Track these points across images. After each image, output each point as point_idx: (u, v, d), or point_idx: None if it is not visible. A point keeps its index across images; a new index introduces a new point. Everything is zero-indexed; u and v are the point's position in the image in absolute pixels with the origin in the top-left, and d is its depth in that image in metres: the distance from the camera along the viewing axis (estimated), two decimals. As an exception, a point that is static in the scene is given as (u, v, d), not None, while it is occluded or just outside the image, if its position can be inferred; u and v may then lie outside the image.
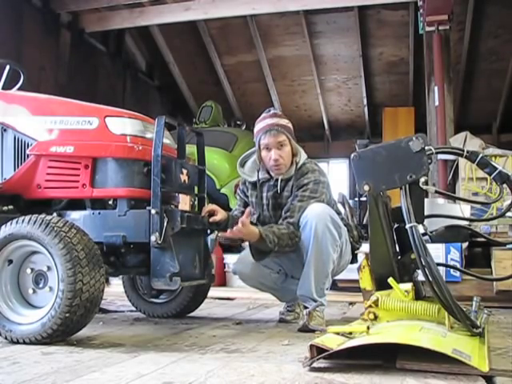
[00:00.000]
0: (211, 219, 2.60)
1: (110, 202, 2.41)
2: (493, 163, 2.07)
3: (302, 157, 2.77)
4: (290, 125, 2.77)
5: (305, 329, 2.41)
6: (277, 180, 2.75)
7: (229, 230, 2.51)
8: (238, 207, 2.94)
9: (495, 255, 3.63)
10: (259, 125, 2.75)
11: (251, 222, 2.82)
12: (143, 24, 6.90)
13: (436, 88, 5.20)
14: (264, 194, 2.79)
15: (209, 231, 2.71)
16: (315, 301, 2.56)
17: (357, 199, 5.54)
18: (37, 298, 2.16)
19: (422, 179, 1.96)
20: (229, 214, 2.77)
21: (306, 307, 2.58)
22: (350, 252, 2.74)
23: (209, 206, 2.69)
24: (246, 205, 2.89)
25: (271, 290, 2.92)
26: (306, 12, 7.20)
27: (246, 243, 4.30)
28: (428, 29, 5.33)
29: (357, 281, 2.16)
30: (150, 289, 2.65)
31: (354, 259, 2.81)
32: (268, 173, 2.80)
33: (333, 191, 2.86)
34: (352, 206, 2.99)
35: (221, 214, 2.67)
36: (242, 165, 2.90)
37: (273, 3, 6.42)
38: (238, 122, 7.04)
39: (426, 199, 2.28)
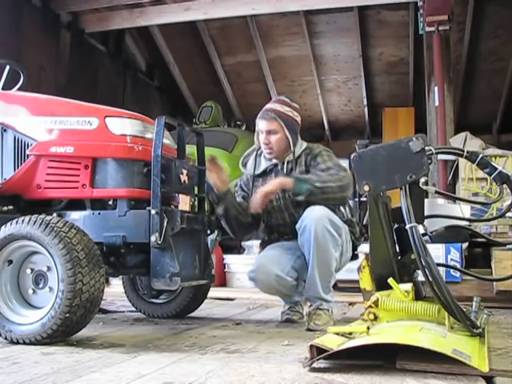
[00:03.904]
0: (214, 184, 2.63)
1: (110, 203, 2.41)
2: (493, 163, 2.07)
3: (303, 144, 2.80)
4: (291, 113, 2.75)
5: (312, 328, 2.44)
6: (283, 163, 2.76)
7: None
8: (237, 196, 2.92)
9: (495, 255, 3.62)
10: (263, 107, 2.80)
11: (256, 215, 2.80)
12: (143, 24, 6.89)
13: (436, 88, 5.20)
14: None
15: (209, 231, 2.71)
16: (323, 299, 2.59)
17: (357, 199, 5.52)
18: (37, 299, 2.16)
19: (422, 179, 1.96)
20: (229, 189, 2.76)
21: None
22: (350, 250, 2.76)
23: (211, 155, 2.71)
24: (244, 198, 2.88)
25: (283, 296, 2.88)
26: (306, 12, 7.18)
27: (247, 244, 4.28)
28: (428, 29, 5.33)
29: (357, 281, 2.17)
30: (149, 289, 2.65)
31: (354, 256, 2.81)
32: (271, 160, 2.81)
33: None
34: (352, 206, 2.99)
35: (224, 185, 2.70)
36: (244, 165, 2.91)
37: (273, 3, 6.42)
38: (238, 123, 7.03)
39: (426, 199, 2.28)
